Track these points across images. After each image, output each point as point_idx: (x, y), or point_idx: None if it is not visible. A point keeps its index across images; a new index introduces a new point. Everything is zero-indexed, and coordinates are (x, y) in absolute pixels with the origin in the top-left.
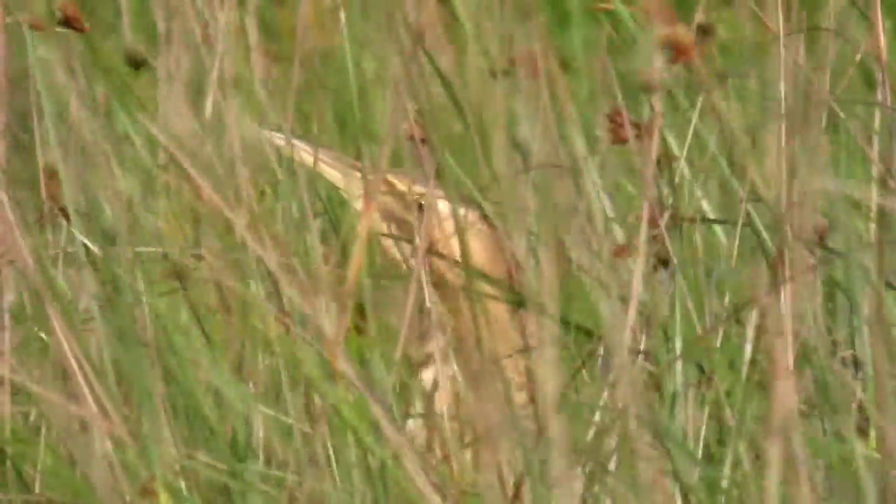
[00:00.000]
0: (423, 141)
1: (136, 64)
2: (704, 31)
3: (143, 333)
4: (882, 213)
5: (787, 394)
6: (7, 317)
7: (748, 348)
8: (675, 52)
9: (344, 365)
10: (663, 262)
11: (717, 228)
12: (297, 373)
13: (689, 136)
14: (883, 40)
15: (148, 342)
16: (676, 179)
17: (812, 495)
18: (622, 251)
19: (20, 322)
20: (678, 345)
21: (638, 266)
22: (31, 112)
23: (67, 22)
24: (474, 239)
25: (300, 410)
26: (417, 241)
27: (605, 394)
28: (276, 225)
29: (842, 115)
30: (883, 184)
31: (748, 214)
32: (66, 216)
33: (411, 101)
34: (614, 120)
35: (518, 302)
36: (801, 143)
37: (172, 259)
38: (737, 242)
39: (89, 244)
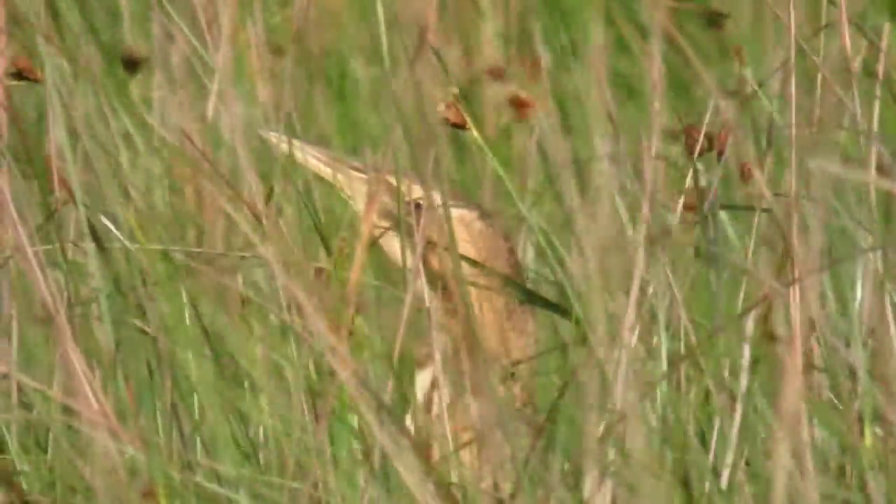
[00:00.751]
0: (456, 126)
1: (133, 64)
2: (713, 20)
3: (147, 328)
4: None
5: (796, 390)
6: (10, 315)
7: (748, 342)
8: (518, 109)
9: (342, 368)
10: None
11: (728, 224)
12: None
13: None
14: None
15: (152, 336)
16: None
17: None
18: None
19: (24, 320)
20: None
21: (638, 264)
22: (36, 106)
23: (20, 74)
24: (473, 237)
25: (302, 410)
26: (416, 240)
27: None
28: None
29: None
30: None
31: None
32: (75, 202)
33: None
34: (690, 134)
35: (516, 297)
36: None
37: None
38: (752, 241)
39: (98, 237)
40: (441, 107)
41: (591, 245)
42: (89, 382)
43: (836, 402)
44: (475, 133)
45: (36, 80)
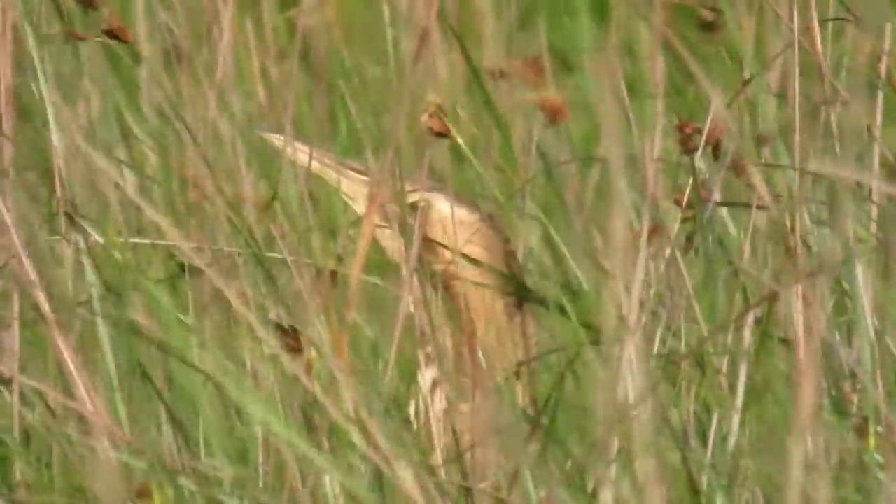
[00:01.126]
0: (440, 135)
1: (180, 55)
2: (709, 26)
3: (144, 327)
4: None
5: (811, 392)
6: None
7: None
8: (550, 114)
9: (338, 371)
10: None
11: (729, 222)
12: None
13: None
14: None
15: (148, 336)
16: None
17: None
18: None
19: (24, 323)
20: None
21: (640, 262)
22: (38, 107)
23: (112, 34)
24: (474, 239)
25: (300, 411)
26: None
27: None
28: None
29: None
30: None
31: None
32: (74, 208)
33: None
34: (683, 130)
35: (517, 295)
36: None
37: (175, 256)
38: (749, 237)
39: (95, 236)
40: (424, 116)
41: (599, 245)
42: (85, 383)
43: (836, 402)
44: (459, 141)
45: (127, 41)
